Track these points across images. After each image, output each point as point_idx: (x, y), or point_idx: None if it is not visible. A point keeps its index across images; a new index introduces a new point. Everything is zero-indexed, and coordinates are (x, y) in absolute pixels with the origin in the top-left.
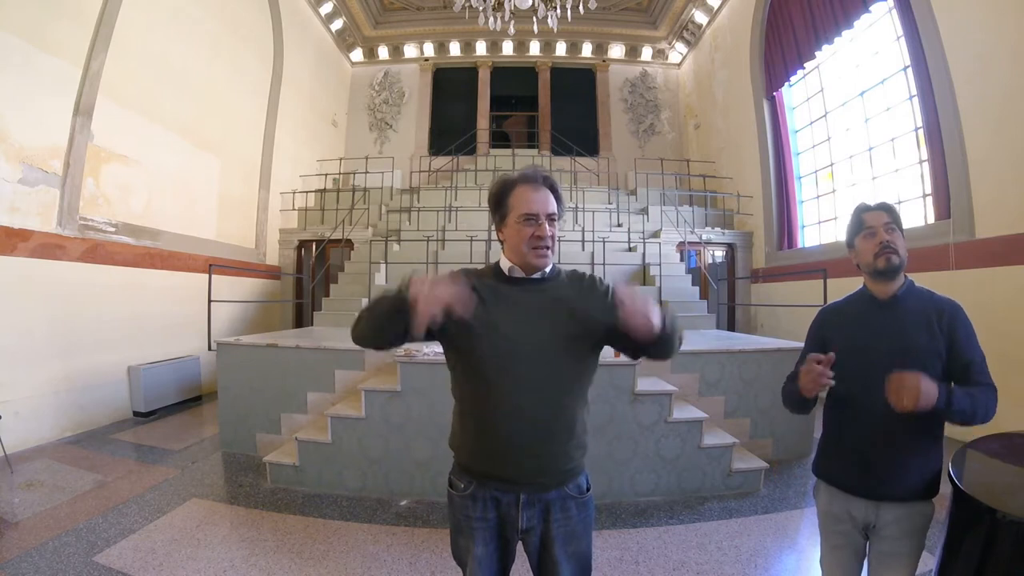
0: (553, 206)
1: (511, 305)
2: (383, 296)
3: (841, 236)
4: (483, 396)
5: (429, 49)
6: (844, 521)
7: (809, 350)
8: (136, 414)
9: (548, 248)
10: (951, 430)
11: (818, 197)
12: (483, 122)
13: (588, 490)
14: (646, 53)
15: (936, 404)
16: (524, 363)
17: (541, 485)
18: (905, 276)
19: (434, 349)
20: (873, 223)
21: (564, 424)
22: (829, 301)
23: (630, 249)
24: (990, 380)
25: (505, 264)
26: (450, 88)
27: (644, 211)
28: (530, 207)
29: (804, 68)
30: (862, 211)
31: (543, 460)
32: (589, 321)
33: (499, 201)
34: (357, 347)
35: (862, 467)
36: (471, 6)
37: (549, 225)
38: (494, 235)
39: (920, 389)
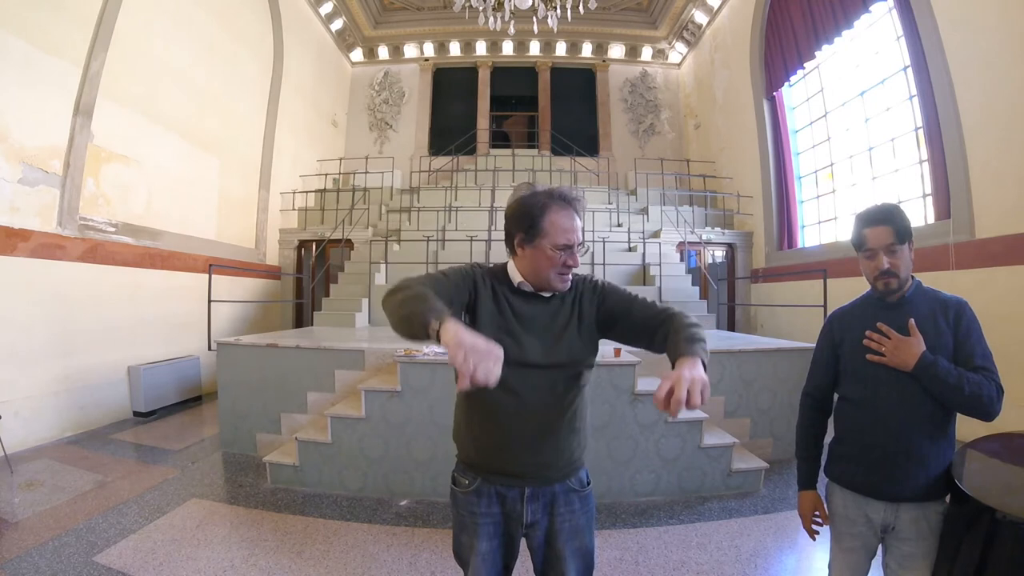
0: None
1: (520, 314)
2: (418, 310)
3: (841, 237)
4: (491, 399)
5: (429, 49)
6: (859, 524)
7: (821, 354)
8: (136, 414)
9: (571, 273)
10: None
11: (818, 197)
12: (483, 122)
13: (588, 484)
14: (646, 53)
15: (922, 356)
16: (532, 368)
17: (545, 479)
18: (912, 277)
19: (434, 349)
20: (874, 244)
21: (568, 421)
22: (829, 301)
23: (630, 249)
24: (993, 375)
25: (516, 277)
26: (450, 88)
27: (644, 211)
28: (568, 237)
29: (804, 68)
30: (864, 225)
31: (547, 455)
32: (588, 328)
33: (531, 221)
34: (358, 348)
35: (880, 470)
36: (471, 6)
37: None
38: (494, 235)
39: (910, 342)
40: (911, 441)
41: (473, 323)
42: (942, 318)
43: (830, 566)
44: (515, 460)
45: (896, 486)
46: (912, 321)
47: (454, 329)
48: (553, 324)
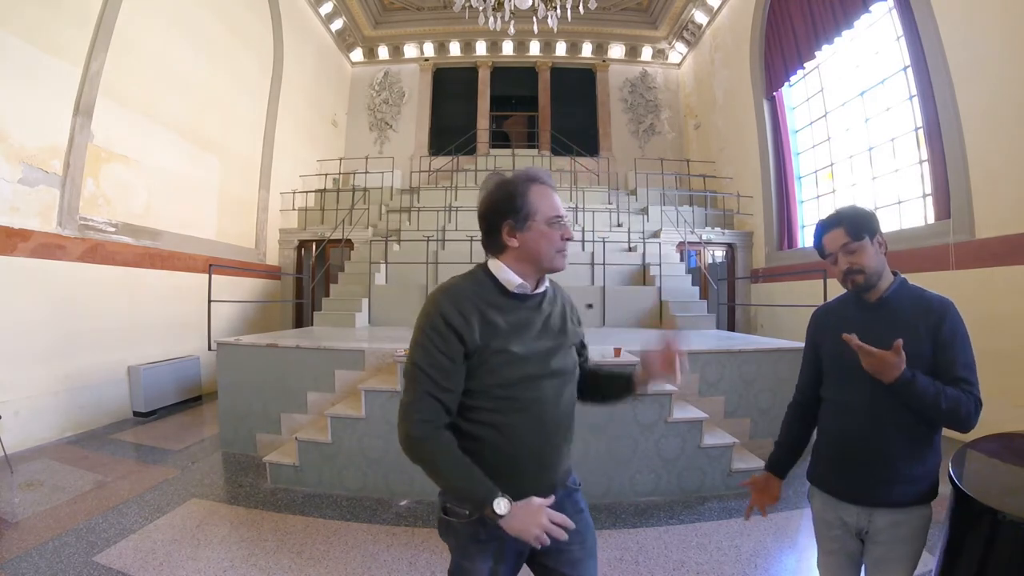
0: None
1: (520, 324)
2: (465, 486)
3: None
4: (500, 416)
5: (429, 49)
6: (836, 527)
7: (806, 353)
8: (136, 414)
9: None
10: (951, 431)
11: (818, 197)
12: (483, 122)
13: (579, 485)
14: (646, 53)
15: (901, 375)
16: (539, 379)
17: (551, 489)
18: (895, 274)
19: None
20: (831, 248)
21: (569, 424)
22: (827, 301)
23: (630, 249)
24: (973, 387)
25: (512, 279)
26: (450, 88)
27: (644, 211)
28: (558, 209)
29: (804, 68)
30: (819, 235)
31: (554, 465)
32: (573, 328)
33: (517, 203)
34: (358, 348)
35: (852, 473)
36: (471, 6)
37: None
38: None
39: (892, 360)
40: (886, 445)
41: (483, 360)
42: (923, 323)
43: (818, 566)
44: (527, 478)
45: (868, 491)
46: (899, 342)
47: (509, 514)
48: (550, 323)
